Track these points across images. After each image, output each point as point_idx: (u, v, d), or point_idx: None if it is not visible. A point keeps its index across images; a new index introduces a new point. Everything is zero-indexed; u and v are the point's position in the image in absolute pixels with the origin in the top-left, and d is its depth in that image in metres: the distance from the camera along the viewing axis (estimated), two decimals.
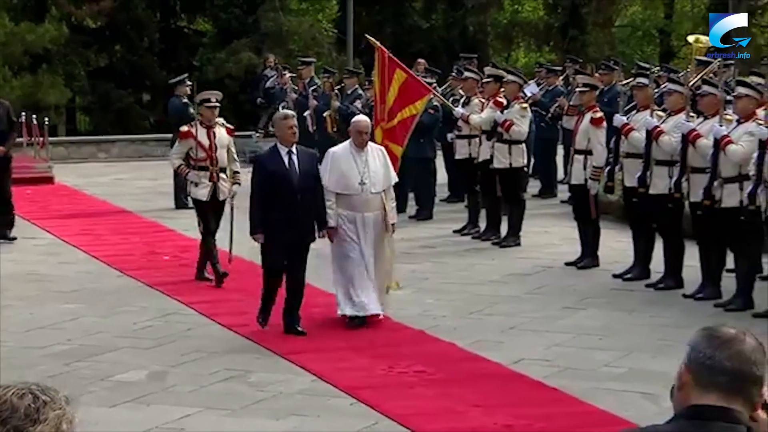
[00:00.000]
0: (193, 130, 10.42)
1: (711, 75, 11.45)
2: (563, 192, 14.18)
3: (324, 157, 8.97)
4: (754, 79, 10.01)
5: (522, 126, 12.23)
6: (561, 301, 9.74)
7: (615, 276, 10.56)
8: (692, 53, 14.68)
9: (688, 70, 12.43)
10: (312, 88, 17.00)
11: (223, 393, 7.35)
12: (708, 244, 9.62)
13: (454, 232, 13.12)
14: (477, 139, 12.81)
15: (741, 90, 9.38)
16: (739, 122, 9.22)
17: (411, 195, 14.15)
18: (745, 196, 8.95)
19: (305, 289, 8.68)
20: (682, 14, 29.33)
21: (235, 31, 24.12)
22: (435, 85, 14.12)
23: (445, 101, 13.50)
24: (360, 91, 16.02)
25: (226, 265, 10.37)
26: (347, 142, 8.95)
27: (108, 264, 11.58)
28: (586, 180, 10.95)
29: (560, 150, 15.78)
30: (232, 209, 10.41)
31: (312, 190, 8.48)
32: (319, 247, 9.02)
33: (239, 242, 10.20)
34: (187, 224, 13.95)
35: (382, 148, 8.98)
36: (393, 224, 8.90)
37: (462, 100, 13.51)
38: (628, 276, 10.47)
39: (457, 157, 13.60)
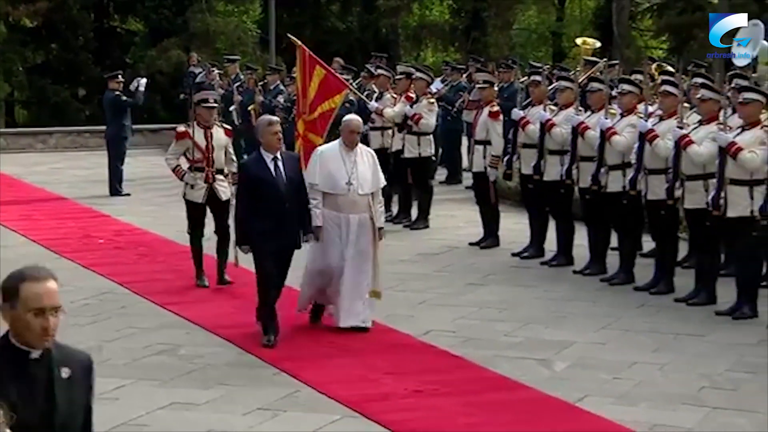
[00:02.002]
0: (190, 131, 9.31)
1: (598, 73, 11.62)
2: (467, 179, 14.28)
3: (312, 155, 8.15)
4: (636, 77, 10.18)
5: (430, 119, 12.31)
6: (465, 278, 9.83)
7: (513, 255, 10.68)
8: (580, 54, 14.90)
9: (578, 69, 12.58)
10: (237, 84, 16.85)
11: (155, 365, 7.27)
12: (595, 225, 9.80)
13: None
14: (389, 131, 12.83)
15: (624, 87, 9.55)
16: (622, 116, 9.39)
17: None
18: (628, 182, 9.12)
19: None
20: (572, 18, 29.72)
21: (165, 30, 23.82)
22: (351, 81, 14.10)
23: (361, 96, 13.49)
24: (282, 87, 15.92)
25: (233, 270, 9.16)
26: (336, 141, 8.10)
27: (46, 247, 11.35)
28: (485, 168, 11.06)
29: (465, 141, 15.88)
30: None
31: (298, 196, 7.66)
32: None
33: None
34: (121, 210, 13.80)
35: (371, 151, 8.25)
36: (381, 229, 8.04)
37: (375, 95, 13.52)
38: (525, 254, 10.61)
39: (371, 147, 13.59)
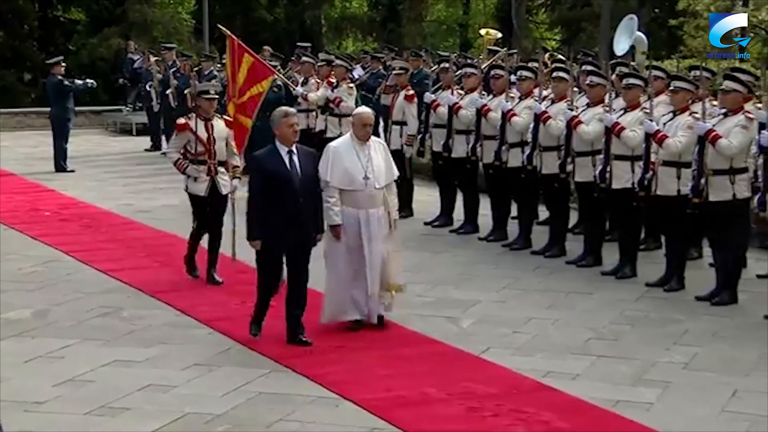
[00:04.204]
0: (191, 123, 8.20)
1: (499, 61, 11.70)
2: None
3: (323, 151, 7.08)
4: (532, 65, 10.28)
5: (349, 102, 12.28)
6: None
7: (425, 224, 10.74)
8: (484, 43, 14.96)
9: (482, 57, 12.65)
10: (173, 69, 16.59)
11: (99, 327, 7.15)
12: (497, 196, 9.91)
13: None
14: (314, 113, 12.79)
15: (523, 73, 9.66)
16: (521, 99, 9.49)
17: None
18: (525, 158, 9.24)
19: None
20: (476, 11, 29.90)
21: (105, 20, 23.40)
22: (279, 67, 13.96)
23: (287, 81, 13.37)
24: (215, 73, 15.68)
25: (229, 266, 8.36)
26: (347, 135, 7.12)
27: None
28: (402, 146, 11.10)
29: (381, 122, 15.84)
30: (233, 206, 8.33)
31: (313, 191, 6.69)
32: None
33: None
34: (66, 185, 13.50)
35: (383, 142, 7.28)
36: (395, 220, 7.12)
37: (301, 81, 13.43)
38: (436, 224, 10.68)
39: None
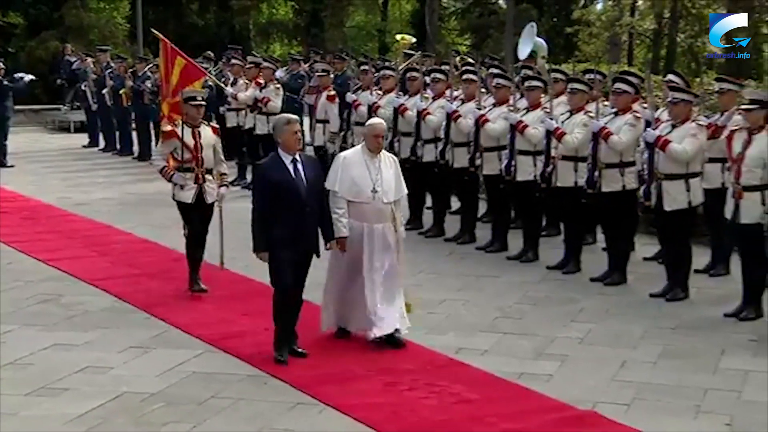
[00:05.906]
0: (178, 130, 7.41)
1: (414, 64, 11.75)
2: (309, 152, 14.20)
3: (334, 160, 6.57)
4: (445, 68, 10.36)
5: (276, 101, 12.21)
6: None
7: None
8: (400, 48, 15.02)
9: (398, 60, 12.70)
10: (108, 71, 16.22)
11: (38, 313, 6.97)
12: (413, 189, 9.74)
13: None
14: (243, 112, 12.67)
15: (436, 75, 9.73)
16: (434, 99, 9.56)
17: None
18: (438, 154, 9.32)
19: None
20: (393, 18, 30.01)
21: (43, 23, 22.76)
22: (210, 69, 13.78)
23: (218, 82, 13.21)
24: (149, 74, 15.41)
25: (218, 273, 7.70)
26: (359, 146, 6.47)
27: None
28: (325, 143, 11.10)
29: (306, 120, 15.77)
30: (221, 213, 7.66)
31: (319, 200, 6.07)
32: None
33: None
34: (6, 179, 13.08)
35: (394, 157, 6.56)
36: (402, 237, 6.41)
37: (231, 81, 13.29)
38: None
39: (228, 125, 13.34)
